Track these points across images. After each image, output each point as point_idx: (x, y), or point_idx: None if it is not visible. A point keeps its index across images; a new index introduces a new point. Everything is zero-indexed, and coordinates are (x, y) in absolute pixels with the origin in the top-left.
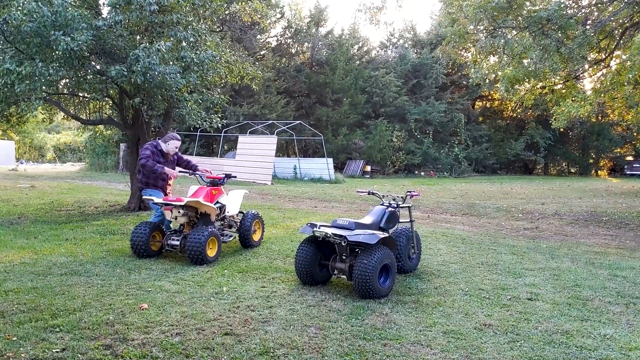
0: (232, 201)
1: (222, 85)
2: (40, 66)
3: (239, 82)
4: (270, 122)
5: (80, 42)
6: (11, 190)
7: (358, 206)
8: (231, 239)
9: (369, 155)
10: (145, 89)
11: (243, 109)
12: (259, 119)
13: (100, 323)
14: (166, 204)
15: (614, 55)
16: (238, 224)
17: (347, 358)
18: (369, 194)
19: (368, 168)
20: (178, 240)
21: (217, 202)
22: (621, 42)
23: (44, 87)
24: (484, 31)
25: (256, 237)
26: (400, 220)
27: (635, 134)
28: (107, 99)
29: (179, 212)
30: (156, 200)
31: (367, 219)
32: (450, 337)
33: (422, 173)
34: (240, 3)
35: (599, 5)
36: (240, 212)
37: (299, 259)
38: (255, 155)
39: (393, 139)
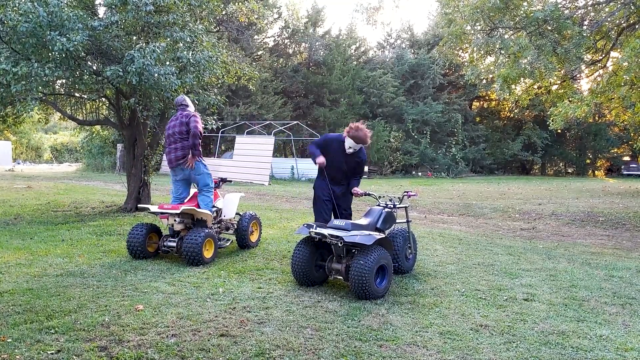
0: (228, 205)
1: (218, 85)
2: (36, 66)
3: (236, 82)
4: (268, 122)
5: (76, 43)
6: (7, 191)
7: (355, 207)
8: (228, 243)
9: (366, 155)
10: (141, 89)
11: (240, 110)
12: (256, 120)
13: (95, 324)
14: (162, 212)
15: (610, 55)
16: (235, 225)
17: (343, 359)
18: (365, 195)
19: (365, 168)
20: (175, 241)
21: (213, 207)
22: (617, 42)
23: (40, 88)
24: (481, 31)
25: (253, 237)
26: (397, 221)
27: (632, 134)
28: (103, 99)
29: (175, 220)
30: (152, 209)
31: (364, 220)
32: (446, 338)
33: (420, 173)
34: (237, 3)
35: (596, 6)
36: (237, 213)
37: (295, 260)
38: (252, 155)
39: (390, 139)
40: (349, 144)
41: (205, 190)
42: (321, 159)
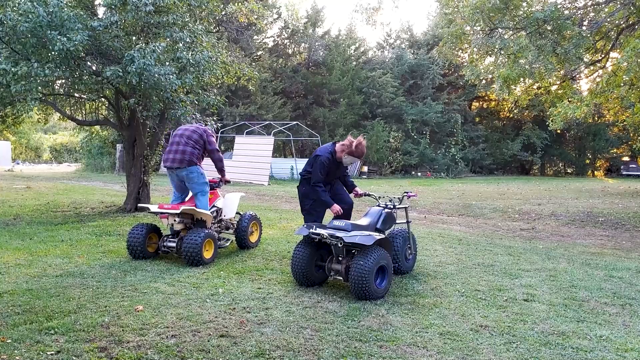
0: (229, 204)
1: (218, 86)
2: (36, 66)
3: (236, 82)
4: (267, 122)
5: (76, 43)
6: (7, 191)
7: (355, 207)
8: (228, 243)
9: (365, 156)
10: (141, 89)
11: (239, 110)
12: (256, 120)
13: (95, 325)
14: (162, 212)
15: (609, 56)
16: (235, 225)
17: None
18: (364, 195)
19: (365, 169)
20: (174, 242)
21: (213, 206)
22: (617, 43)
23: (39, 88)
24: (481, 32)
25: (253, 238)
26: (397, 222)
27: (631, 134)
28: (103, 99)
29: (174, 220)
30: (152, 209)
31: (364, 220)
32: (446, 339)
33: (419, 174)
34: (236, 4)
35: (595, 6)
36: (237, 213)
37: (295, 261)
38: (252, 155)
39: (390, 139)
40: (351, 160)
41: (200, 194)
42: (337, 208)
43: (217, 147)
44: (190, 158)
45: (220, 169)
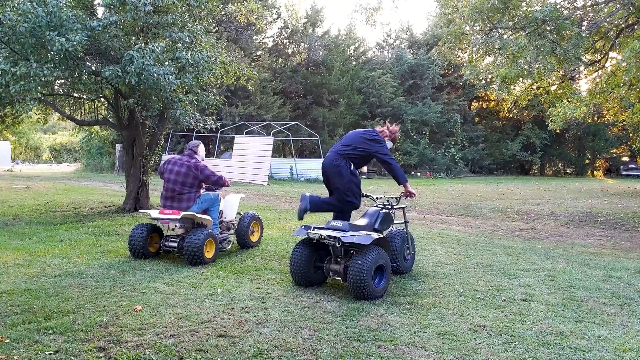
0: (229, 206)
1: (217, 86)
2: (35, 67)
3: (235, 82)
4: (267, 122)
5: (75, 43)
6: (6, 191)
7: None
8: (229, 246)
9: None
10: (140, 89)
11: (239, 110)
12: (255, 120)
13: (93, 325)
14: (163, 218)
15: (609, 56)
16: (236, 225)
17: None
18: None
19: (365, 168)
20: (176, 241)
21: None
22: (616, 43)
23: (38, 88)
24: (480, 32)
25: (254, 238)
26: (395, 222)
27: (630, 134)
28: (102, 99)
29: (175, 225)
30: (153, 214)
31: (362, 221)
32: (444, 339)
33: (419, 174)
34: (236, 4)
35: (595, 6)
36: (238, 213)
37: (294, 261)
38: (251, 155)
39: None
40: (390, 147)
41: (210, 209)
42: (410, 188)
43: (211, 172)
44: (187, 205)
45: (220, 185)
